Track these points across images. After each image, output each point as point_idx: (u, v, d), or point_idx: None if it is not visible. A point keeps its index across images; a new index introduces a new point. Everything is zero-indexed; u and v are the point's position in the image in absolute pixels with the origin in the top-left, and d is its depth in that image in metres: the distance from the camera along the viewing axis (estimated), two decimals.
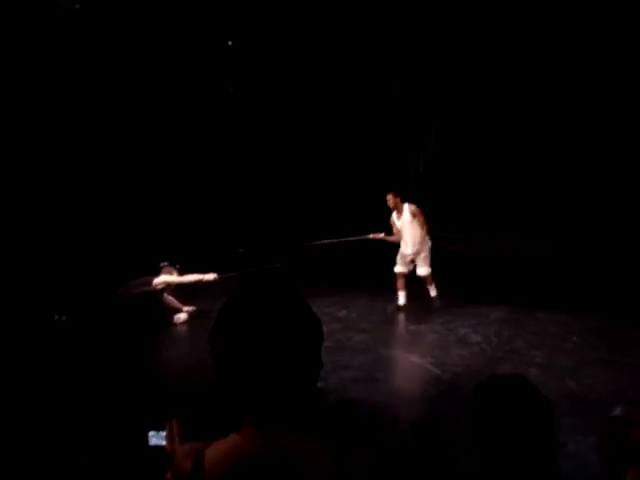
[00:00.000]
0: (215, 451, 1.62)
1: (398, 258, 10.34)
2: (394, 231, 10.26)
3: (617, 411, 6.42)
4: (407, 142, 16.23)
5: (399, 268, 10.33)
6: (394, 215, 10.21)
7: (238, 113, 15.24)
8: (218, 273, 9.73)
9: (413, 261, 10.29)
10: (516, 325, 9.47)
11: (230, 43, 14.86)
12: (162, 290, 9.71)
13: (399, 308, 10.31)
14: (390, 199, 10.12)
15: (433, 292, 10.40)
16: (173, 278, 9.75)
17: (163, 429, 2.08)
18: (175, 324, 9.68)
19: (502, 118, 15.14)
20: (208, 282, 9.70)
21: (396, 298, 10.38)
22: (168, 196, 13.64)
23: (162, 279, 9.65)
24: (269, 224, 14.86)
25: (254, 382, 1.56)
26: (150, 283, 9.58)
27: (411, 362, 7.93)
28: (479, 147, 15.54)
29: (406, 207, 10.12)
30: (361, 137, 16.02)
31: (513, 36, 14.15)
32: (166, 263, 9.87)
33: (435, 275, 12.66)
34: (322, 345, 1.65)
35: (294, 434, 1.58)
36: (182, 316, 9.80)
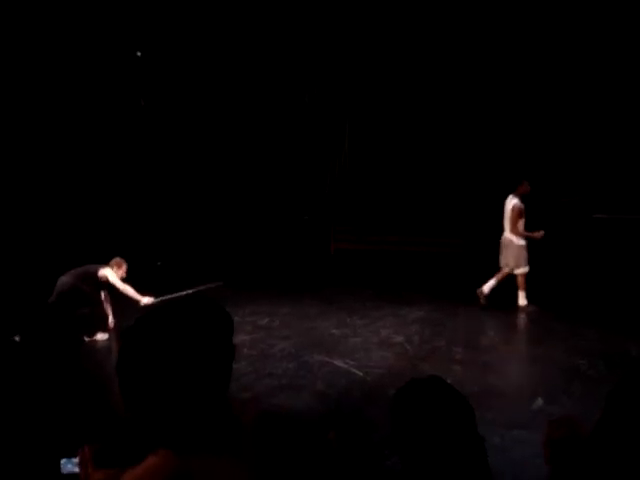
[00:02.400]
0: (130, 477, 1.55)
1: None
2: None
3: (538, 403, 6.54)
4: (322, 146, 16.26)
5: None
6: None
7: (149, 122, 14.95)
8: (154, 297, 9.33)
9: None
10: (436, 324, 9.57)
11: (139, 54, 14.59)
12: (100, 287, 9.36)
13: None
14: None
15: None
16: (115, 279, 9.30)
17: (76, 456, 1.98)
18: (94, 340, 9.34)
19: (413, 118, 15.33)
20: (136, 303, 9.27)
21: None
22: (85, 209, 13.28)
23: (107, 273, 9.23)
24: (187, 235, 14.64)
25: (163, 406, 1.51)
26: (96, 273, 9.20)
27: (334, 366, 7.88)
28: (392, 148, 15.69)
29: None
30: (275, 143, 15.97)
31: (418, 36, 14.36)
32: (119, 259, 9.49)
33: (353, 277, 12.75)
34: (231, 367, 1.64)
35: (211, 455, 1.53)
36: (104, 336, 9.43)
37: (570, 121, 13.80)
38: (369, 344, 8.73)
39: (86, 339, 9.31)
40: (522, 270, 10.16)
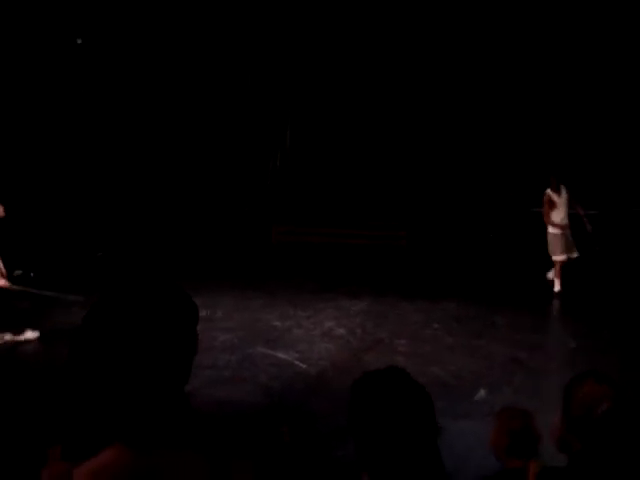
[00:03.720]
0: (83, 471, 1.47)
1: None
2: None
3: (480, 394, 6.60)
4: (264, 138, 16.16)
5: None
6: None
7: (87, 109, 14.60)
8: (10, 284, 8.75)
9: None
10: (379, 316, 9.57)
11: (80, 41, 14.22)
12: None
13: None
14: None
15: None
16: None
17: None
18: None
19: (354, 110, 15.36)
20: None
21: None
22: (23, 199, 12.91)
23: None
24: (128, 226, 14.36)
25: (120, 397, 1.43)
26: None
27: (278, 359, 7.81)
28: (334, 140, 15.69)
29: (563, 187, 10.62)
30: (217, 134, 15.80)
31: (357, 31, 14.41)
32: None
33: (296, 269, 12.70)
34: (193, 358, 1.57)
35: (167, 449, 1.44)
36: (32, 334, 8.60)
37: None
38: (312, 336, 8.68)
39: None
40: (555, 257, 10.64)
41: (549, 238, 10.61)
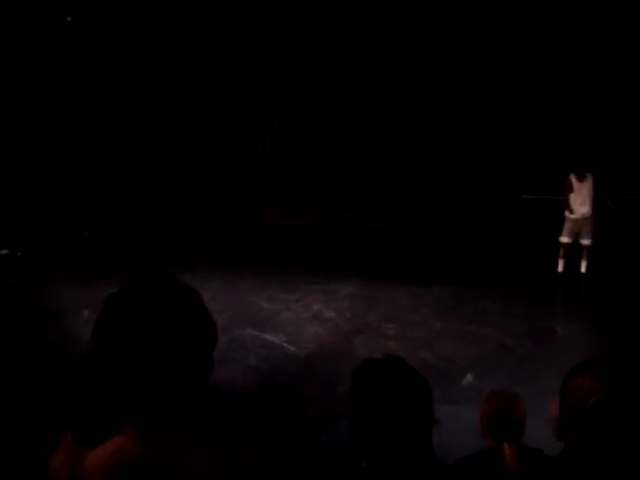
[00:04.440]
0: (94, 457, 1.46)
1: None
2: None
3: (468, 379, 6.62)
4: (252, 120, 16.08)
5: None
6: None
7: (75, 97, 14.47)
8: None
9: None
10: (368, 299, 9.57)
11: (69, 19, 14.06)
12: None
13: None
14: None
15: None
16: None
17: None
18: None
19: (343, 93, 15.32)
20: None
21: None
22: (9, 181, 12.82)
23: None
24: (116, 208, 14.28)
25: (137, 381, 1.43)
26: None
27: (267, 341, 7.81)
28: (322, 122, 15.65)
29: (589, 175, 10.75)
30: (206, 117, 15.70)
31: (346, 18, 14.37)
32: None
33: (285, 252, 12.69)
34: (213, 348, 1.59)
35: (178, 435, 1.43)
36: None
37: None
38: (301, 319, 8.68)
39: None
40: (559, 238, 10.99)
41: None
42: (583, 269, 10.89)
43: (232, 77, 15.58)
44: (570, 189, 10.74)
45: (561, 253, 10.99)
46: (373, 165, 15.05)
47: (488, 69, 14.19)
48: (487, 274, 10.97)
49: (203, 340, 1.53)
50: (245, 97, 15.83)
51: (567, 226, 10.84)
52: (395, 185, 14.76)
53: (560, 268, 11.01)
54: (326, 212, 14.57)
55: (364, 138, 15.22)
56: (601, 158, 11.99)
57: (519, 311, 8.98)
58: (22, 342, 7.65)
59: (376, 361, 2.06)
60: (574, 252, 10.94)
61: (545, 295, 10.29)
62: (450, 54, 14.29)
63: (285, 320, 8.66)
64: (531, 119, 14.06)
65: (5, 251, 10.65)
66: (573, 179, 10.74)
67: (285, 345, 7.67)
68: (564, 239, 10.89)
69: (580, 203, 10.69)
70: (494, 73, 14.16)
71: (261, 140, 16.31)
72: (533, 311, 9.03)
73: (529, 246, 12.25)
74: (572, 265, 10.96)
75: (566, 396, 2.61)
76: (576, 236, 10.81)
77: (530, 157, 13.89)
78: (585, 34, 13.34)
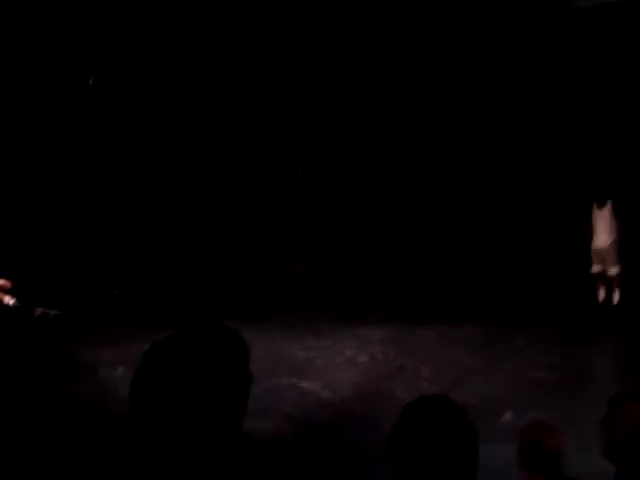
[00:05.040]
0: None
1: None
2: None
3: (506, 417, 6.58)
4: (277, 170, 16.28)
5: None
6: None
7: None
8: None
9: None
10: (400, 342, 9.57)
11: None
12: None
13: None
14: None
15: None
16: None
17: None
18: None
19: (366, 138, 15.48)
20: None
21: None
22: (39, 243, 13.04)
23: None
24: (144, 263, 14.43)
25: (178, 437, 1.47)
26: None
27: (302, 389, 7.83)
28: (347, 168, 15.79)
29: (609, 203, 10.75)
30: (232, 167, 15.93)
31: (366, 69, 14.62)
32: None
33: (314, 299, 12.73)
34: (247, 397, 1.63)
35: None
36: None
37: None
38: (335, 365, 8.69)
39: None
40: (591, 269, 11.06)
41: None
42: (615, 300, 10.79)
43: (256, 125, 15.83)
44: (593, 217, 10.74)
45: (598, 283, 10.94)
46: (397, 205, 15.12)
47: (513, 107, 14.29)
48: (517, 309, 10.94)
49: (238, 388, 1.58)
50: (269, 146, 16.07)
51: (594, 255, 10.81)
52: (420, 223, 14.80)
53: (600, 298, 10.96)
54: (352, 257, 14.63)
55: (388, 177, 15.33)
56: (621, 184, 11.97)
57: (551, 345, 8.93)
58: (57, 399, 7.75)
59: (427, 400, 2.07)
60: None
61: (578, 328, 10.21)
62: (467, 102, 14.47)
63: (319, 367, 8.68)
64: (556, 149, 14.10)
65: (40, 311, 10.78)
66: (595, 207, 10.74)
67: (320, 391, 7.68)
68: (594, 268, 10.84)
69: (601, 231, 10.66)
70: (518, 113, 14.26)
71: (287, 188, 16.48)
72: (568, 344, 8.98)
73: (558, 278, 12.18)
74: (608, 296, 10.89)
75: (618, 427, 2.55)
76: (604, 265, 10.74)
77: (558, 188, 13.88)
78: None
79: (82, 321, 10.99)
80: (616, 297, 10.77)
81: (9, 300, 7.91)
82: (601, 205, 10.67)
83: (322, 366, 8.68)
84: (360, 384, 7.85)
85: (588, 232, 10.90)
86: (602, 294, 10.93)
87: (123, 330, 10.45)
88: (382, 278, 13.83)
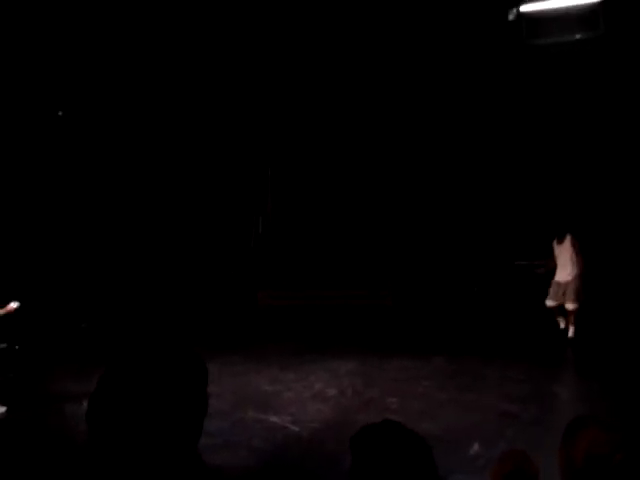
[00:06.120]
0: None
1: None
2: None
3: (474, 448, 6.59)
4: (245, 204, 16.32)
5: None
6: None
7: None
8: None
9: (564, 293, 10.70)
10: (368, 375, 9.57)
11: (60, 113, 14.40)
12: None
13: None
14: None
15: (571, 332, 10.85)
16: None
17: None
18: None
19: (333, 174, 15.58)
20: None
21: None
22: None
23: None
24: (111, 296, 14.30)
25: (133, 457, 1.47)
26: None
27: (270, 422, 7.76)
28: (314, 203, 15.88)
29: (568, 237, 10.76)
30: (199, 200, 15.93)
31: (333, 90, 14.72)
32: None
33: (283, 333, 12.71)
34: (203, 419, 1.63)
35: None
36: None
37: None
38: (303, 398, 8.64)
39: None
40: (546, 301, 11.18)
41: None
42: (570, 333, 10.81)
43: (223, 160, 15.87)
44: (553, 252, 10.83)
45: (556, 315, 11.04)
46: (365, 241, 15.21)
47: (475, 145, 14.52)
48: (484, 342, 11.02)
49: (195, 409, 1.58)
50: (237, 179, 16.11)
51: (552, 289, 10.86)
52: (388, 259, 14.89)
53: (562, 325, 11.02)
54: (321, 291, 14.65)
55: (355, 215, 15.43)
56: (581, 220, 12.18)
57: (520, 377, 8.99)
58: (23, 432, 7.61)
59: (372, 427, 2.08)
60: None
61: (544, 359, 10.30)
62: (435, 130, 14.66)
63: (287, 400, 8.62)
64: (519, 186, 14.32)
65: (3, 345, 10.66)
66: (554, 242, 10.85)
67: (288, 425, 7.62)
68: (548, 302, 10.90)
69: (561, 266, 10.73)
70: (482, 148, 14.49)
71: (255, 222, 16.51)
72: (534, 376, 9.05)
73: (524, 312, 12.30)
74: (579, 330, 10.97)
75: (574, 452, 2.58)
76: (562, 299, 10.79)
77: (522, 224, 14.07)
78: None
79: (48, 355, 10.88)
80: (571, 331, 10.79)
81: None
82: (560, 240, 10.75)
83: (290, 400, 8.63)
84: (329, 418, 7.82)
85: (547, 266, 11.03)
86: (562, 324, 11.00)
87: (90, 363, 10.31)
88: (351, 312, 13.84)
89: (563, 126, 13.94)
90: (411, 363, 10.00)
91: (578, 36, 12.03)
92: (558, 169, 13.96)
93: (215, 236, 15.84)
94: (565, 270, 10.70)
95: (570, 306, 10.70)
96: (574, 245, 10.69)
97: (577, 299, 10.67)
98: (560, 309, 10.88)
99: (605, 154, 13.68)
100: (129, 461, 1.47)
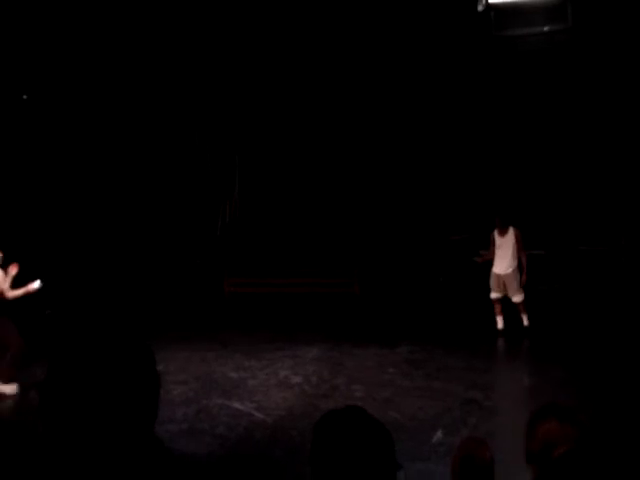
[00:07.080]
0: None
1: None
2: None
3: (438, 435, 6.66)
4: (212, 191, 16.23)
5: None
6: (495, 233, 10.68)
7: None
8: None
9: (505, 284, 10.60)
10: (334, 363, 9.59)
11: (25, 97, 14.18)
12: None
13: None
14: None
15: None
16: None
17: None
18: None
19: (300, 160, 15.57)
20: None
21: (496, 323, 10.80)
22: None
23: None
24: (76, 283, 14.14)
25: (88, 440, 1.46)
26: None
27: (234, 409, 7.76)
28: (281, 189, 15.85)
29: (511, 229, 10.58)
30: (166, 186, 15.82)
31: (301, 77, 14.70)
32: None
33: (249, 320, 12.69)
34: (158, 397, 1.61)
35: None
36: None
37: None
38: (268, 386, 8.65)
39: None
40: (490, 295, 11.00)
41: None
42: (525, 322, 10.72)
43: (191, 147, 15.78)
44: (493, 245, 10.68)
45: (496, 310, 10.79)
46: (332, 229, 15.21)
47: (440, 130, 14.60)
48: (450, 331, 11.08)
49: (149, 388, 1.56)
50: (204, 166, 16.03)
51: (493, 281, 10.72)
52: (355, 247, 14.91)
53: (499, 325, 10.79)
54: (288, 278, 14.63)
55: (323, 203, 15.42)
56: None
57: (483, 365, 9.09)
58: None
59: (334, 412, 2.09)
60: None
61: (506, 348, 10.43)
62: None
63: (252, 387, 8.62)
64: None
65: None
66: (495, 234, 10.65)
67: (253, 412, 7.64)
68: (492, 295, 10.76)
69: (500, 257, 10.59)
70: (448, 135, 14.58)
71: (221, 210, 16.43)
72: (497, 365, 9.18)
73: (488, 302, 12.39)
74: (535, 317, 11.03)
75: (533, 440, 2.71)
76: (505, 291, 10.69)
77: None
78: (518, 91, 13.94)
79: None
80: (525, 320, 10.74)
81: None
82: (502, 231, 10.61)
83: (255, 387, 8.63)
84: (293, 405, 7.84)
85: (485, 256, 11.05)
86: (500, 321, 10.80)
87: (53, 350, 10.20)
88: (319, 300, 13.85)
89: (528, 116, 14.07)
90: (377, 351, 10.03)
91: (546, 28, 12.16)
92: (515, 160, 14.13)
93: (182, 223, 15.74)
94: (504, 262, 10.54)
95: (516, 299, 10.62)
96: (517, 238, 10.56)
97: (520, 289, 10.62)
98: (504, 300, 10.80)
99: (568, 147, 13.86)
100: (84, 447, 1.46)
